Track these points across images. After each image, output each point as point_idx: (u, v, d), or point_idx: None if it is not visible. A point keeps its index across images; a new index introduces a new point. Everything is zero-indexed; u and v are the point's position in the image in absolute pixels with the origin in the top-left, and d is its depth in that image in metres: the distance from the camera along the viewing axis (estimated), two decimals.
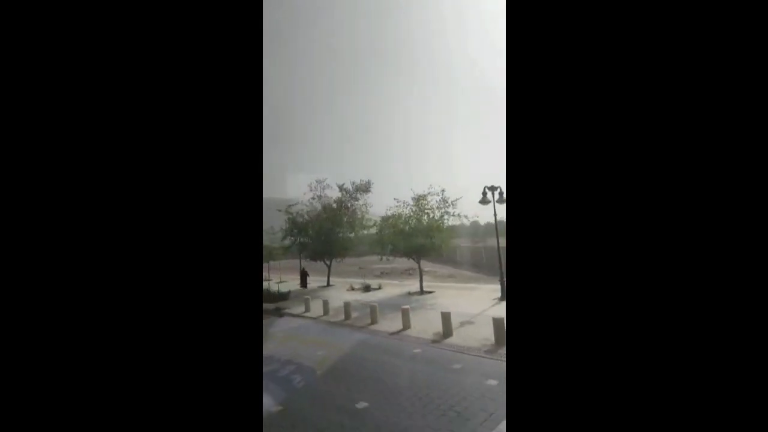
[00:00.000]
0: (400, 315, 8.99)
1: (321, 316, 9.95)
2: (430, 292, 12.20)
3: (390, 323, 8.33)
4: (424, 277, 13.00)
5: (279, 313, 11.20)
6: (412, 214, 12.61)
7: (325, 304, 10.28)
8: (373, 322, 8.50)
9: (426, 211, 12.32)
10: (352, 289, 14.60)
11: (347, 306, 9.51)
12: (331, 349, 6.78)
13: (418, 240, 11.77)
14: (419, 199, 12.23)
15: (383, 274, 23.14)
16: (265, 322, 10.14)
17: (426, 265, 24.66)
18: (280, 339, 7.96)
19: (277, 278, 22.28)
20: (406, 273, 23.04)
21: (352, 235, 16.16)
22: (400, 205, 12.77)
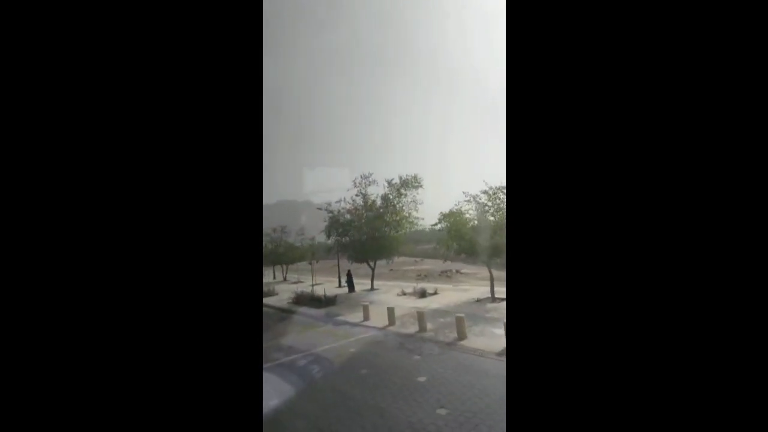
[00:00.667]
0: (485, 328, 7.60)
1: (387, 326, 8.57)
2: (504, 299, 10.69)
3: (483, 339, 6.84)
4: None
5: (333, 320, 9.89)
6: (477, 210, 11.13)
7: (391, 312, 8.90)
8: (462, 337, 7.03)
9: (488, 206, 10.81)
10: (404, 293, 13.20)
11: (421, 316, 8.09)
12: (437, 377, 5.37)
13: (495, 239, 10.25)
14: (493, 195, 10.70)
15: (420, 276, 21.76)
16: (321, 330, 8.85)
17: (463, 267, 23.30)
18: (363, 359, 6.61)
19: (310, 281, 21.13)
20: (444, 275, 21.55)
21: (400, 233, 14.77)
22: (470, 200, 11.28)
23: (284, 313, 11.75)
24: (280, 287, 17.91)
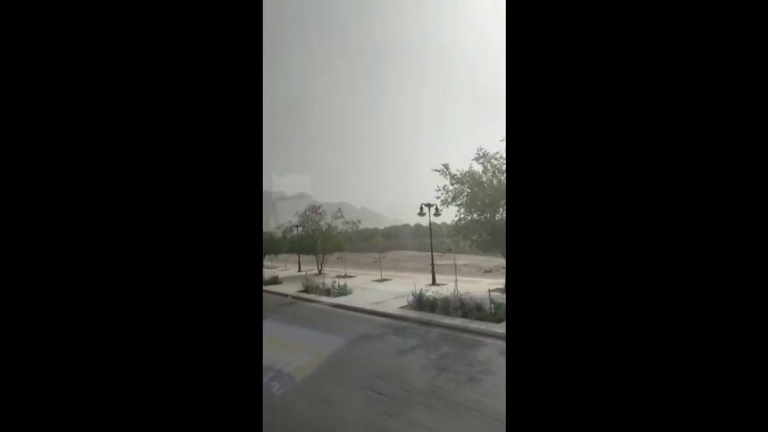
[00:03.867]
0: None
1: None
2: None
3: None
4: None
5: None
6: None
7: None
8: None
9: None
10: None
11: None
12: None
13: None
14: None
15: (489, 272, 17.30)
16: None
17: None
18: None
19: (363, 275, 15.97)
20: None
21: None
22: None
23: (434, 329, 6.77)
24: (334, 282, 12.64)
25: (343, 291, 11.46)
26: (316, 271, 19.13)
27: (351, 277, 16.14)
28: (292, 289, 13.66)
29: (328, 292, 11.67)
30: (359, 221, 19.64)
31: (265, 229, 22.71)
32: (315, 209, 20.12)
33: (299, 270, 21.42)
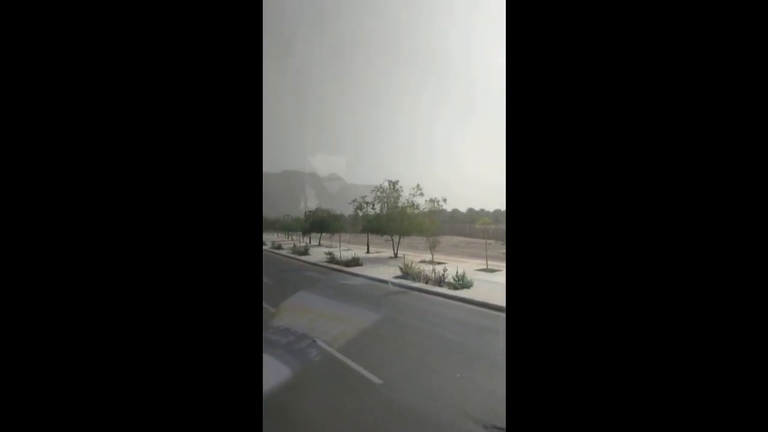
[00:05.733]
0: None
1: None
2: None
3: None
4: None
5: None
6: None
7: None
8: None
9: None
10: None
11: None
12: None
13: None
14: None
15: None
16: None
17: None
18: None
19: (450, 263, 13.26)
20: None
21: None
22: None
23: None
24: (479, 282, 10.13)
25: (464, 282, 9.02)
26: (392, 254, 16.88)
27: (439, 263, 13.62)
28: (376, 272, 11.57)
29: (439, 282, 9.32)
30: (445, 199, 16.96)
31: (300, 207, 21.07)
32: (393, 185, 17.71)
33: (368, 251, 19.33)
